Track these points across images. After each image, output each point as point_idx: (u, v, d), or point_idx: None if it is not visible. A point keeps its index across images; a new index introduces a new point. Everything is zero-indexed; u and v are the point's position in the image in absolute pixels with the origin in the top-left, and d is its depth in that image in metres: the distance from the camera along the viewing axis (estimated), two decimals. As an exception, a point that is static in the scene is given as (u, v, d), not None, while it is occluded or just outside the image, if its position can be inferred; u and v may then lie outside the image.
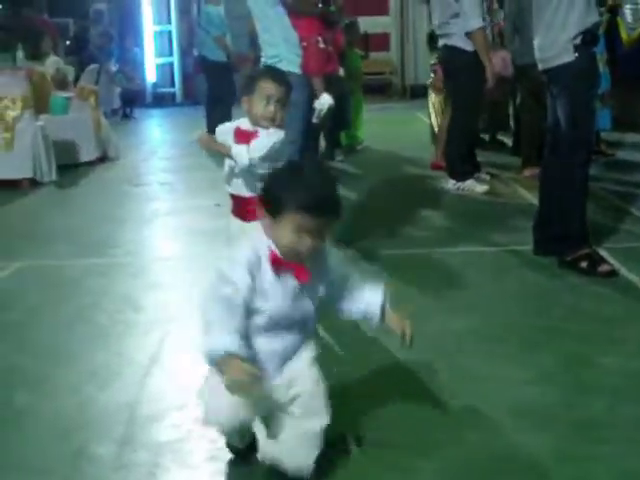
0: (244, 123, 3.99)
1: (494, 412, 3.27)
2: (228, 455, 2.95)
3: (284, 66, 4.68)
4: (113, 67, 16.80)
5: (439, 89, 9.16)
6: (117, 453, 3.05)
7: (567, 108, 5.11)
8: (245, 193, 4.01)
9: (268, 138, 3.88)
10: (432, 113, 9.70)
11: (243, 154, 3.82)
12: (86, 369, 3.89)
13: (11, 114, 8.91)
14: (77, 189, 9.08)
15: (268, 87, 3.88)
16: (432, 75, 9.75)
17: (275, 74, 3.98)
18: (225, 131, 4.02)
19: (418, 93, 15.48)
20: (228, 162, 3.98)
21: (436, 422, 3.23)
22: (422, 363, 3.78)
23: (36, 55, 10.54)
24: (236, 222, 4.13)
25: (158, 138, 14.64)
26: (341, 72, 9.30)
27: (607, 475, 2.82)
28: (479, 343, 4.03)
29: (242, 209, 4.08)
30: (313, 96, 4.72)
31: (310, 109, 4.70)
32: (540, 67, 5.30)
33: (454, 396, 3.43)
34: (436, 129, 9.48)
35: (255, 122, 3.92)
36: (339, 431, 3.03)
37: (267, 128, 3.90)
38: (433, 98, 9.62)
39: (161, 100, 19.86)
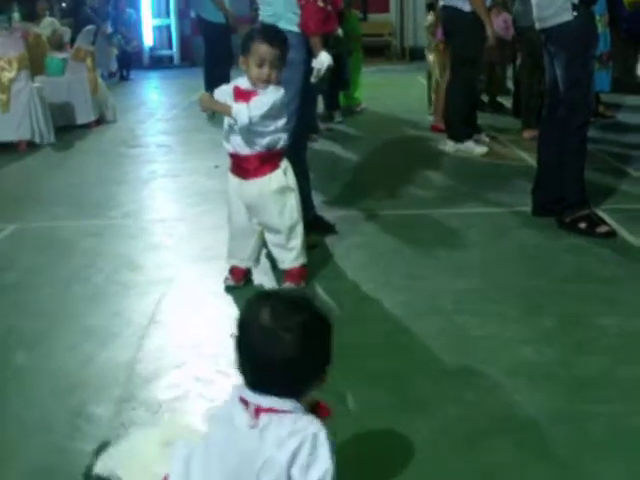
0: (243, 82, 3.97)
1: (492, 371, 3.27)
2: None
3: (282, 25, 4.61)
4: (109, 29, 16.68)
5: (441, 50, 9.10)
6: (115, 412, 3.05)
7: (565, 68, 5.06)
8: (244, 151, 4.00)
9: (268, 96, 3.86)
10: (431, 75, 9.67)
11: (243, 112, 3.80)
12: (84, 329, 3.89)
13: (7, 75, 8.84)
14: (74, 151, 9.04)
15: (262, 49, 3.86)
16: (430, 37, 9.71)
17: (270, 35, 3.94)
18: (224, 91, 4.00)
19: (417, 55, 15.45)
20: (227, 120, 3.96)
21: (434, 381, 3.23)
22: (420, 322, 3.79)
23: (32, 16, 10.46)
24: (235, 181, 4.12)
25: (156, 100, 14.56)
26: (340, 33, 9.23)
27: (604, 434, 2.82)
28: (478, 303, 4.02)
29: (241, 167, 4.06)
30: (311, 55, 4.67)
31: (308, 68, 4.65)
32: (538, 26, 5.25)
33: (452, 355, 3.43)
34: (433, 91, 9.45)
35: (252, 82, 3.90)
36: (338, 390, 3.04)
37: (264, 88, 3.88)
38: (432, 60, 9.58)
39: (159, 62, 19.78)
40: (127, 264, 4.82)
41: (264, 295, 2.06)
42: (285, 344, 1.91)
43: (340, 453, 2.67)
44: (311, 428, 1.95)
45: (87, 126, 10.28)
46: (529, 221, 5.36)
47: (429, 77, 10.14)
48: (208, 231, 5.28)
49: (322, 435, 1.95)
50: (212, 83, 11.91)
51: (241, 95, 3.92)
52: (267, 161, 4.03)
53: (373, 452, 2.70)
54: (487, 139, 8.18)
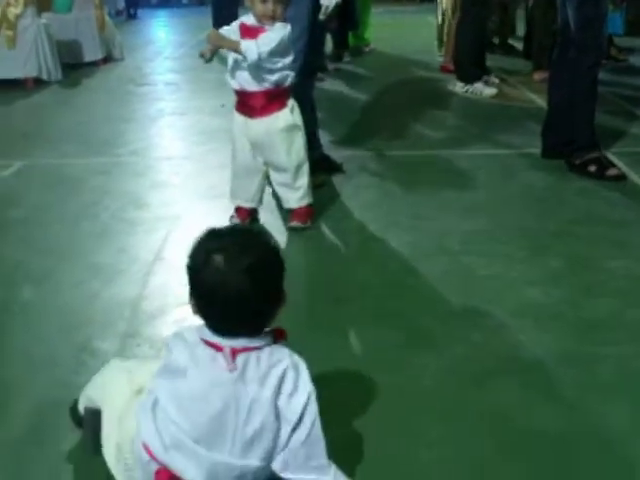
0: (249, 19, 3.92)
1: (498, 312, 3.26)
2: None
3: (289, -40, 4.57)
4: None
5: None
6: (120, 347, 3.06)
7: (577, 9, 4.96)
8: (251, 88, 3.95)
9: (275, 32, 3.82)
10: (439, 16, 9.56)
11: (252, 48, 3.76)
12: (90, 265, 3.88)
13: (13, 11, 8.75)
14: (81, 89, 8.99)
15: None
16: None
17: None
18: (230, 30, 3.95)
19: (427, -4, 15.22)
20: (233, 57, 3.91)
21: (440, 321, 3.22)
22: (427, 262, 3.78)
23: (39, -49, 10.33)
24: (240, 119, 4.08)
25: (163, 39, 14.43)
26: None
27: (612, 376, 2.80)
28: (485, 244, 4.00)
29: (247, 105, 4.02)
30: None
31: (316, 6, 4.58)
32: (552, -35, 5.16)
33: (458, 295, 3.42)
34: (445, 32, 9.35)
35: (258, 19, 3.86)
36: (344, 329, 3.04)
37: (271, 25, 3.84)
38: (444, 1, 9.47)
39: (166, 1, 19.59)
40: (134, 201, 4.81)
41: (213, 234, 2.05)
42: (243, 285, 1.91)
43: (347, 392, 2.69)
44: (287, 357, 1.98)
45: (94, 64, 10.20)
46: (538, 163, 5.31)
47: (438, 17, 10.02)
48: (214, 169, 5.25)
49: (299, 361, 2.00)
50: (220, 22, 11.86)
51: (248, 32, 3.87)
52: (274, 99, 3.99)
53: (379, 391, 2.70)
54: (497, 80, 8.08)
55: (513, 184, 4.97)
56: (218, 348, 1.98)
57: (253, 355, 1.97)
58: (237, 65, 3.93)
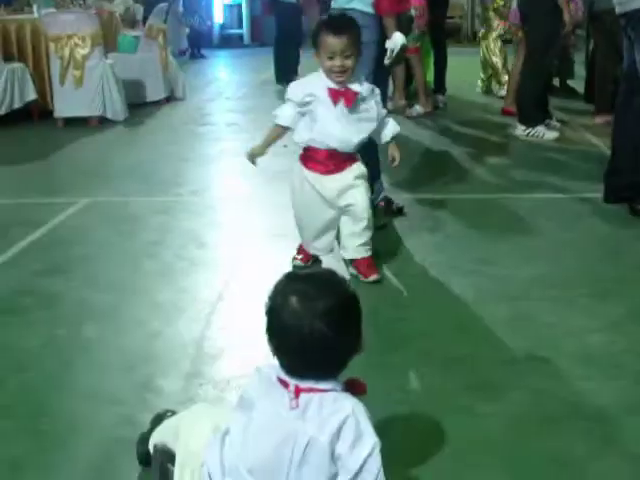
0: (322, 79, 3.91)
1: (560, 359, 3.23)
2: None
3: (355, 4, 4.60)
4: (180, 7, 16.75)
5: (514, 33, 9.08)
6: (183, 387, 3.09)
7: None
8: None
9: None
10: (493, 57, 9.72)
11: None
12: (152, 304, 3.93)
13: (81, 52, 8.93)
14: (144, 128, 9.13)
15: (330, 42, 3.81)
16: (495, 19, 9.77)
17: (336, 26, 3.86)
18: (306, 88, 3.97)
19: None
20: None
21: (501, 367, 3.20)
22: (487, 308, 3.76)
23: (105, -6, 10.57)
24: (312, 176, 4.06)
25: (225, 79, 14.61)
26: (413, 13, 9.14)
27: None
28: (546, 290, 3.97)
29: (322, 163, 4.03)
30: (384, 36, 4.62)
31: (382, 49, 4.60)
32: (618, 10, 5.14)
33: (519, 342, 3.40)
34: (504, 75, 9.40)
35: (327, 75, 3.87)
36: (406, 375, 3.04)
37: (341, 82, 3.84)
38: (492, 44, 9.59)
39: (228, 42, 19.82)
40: (194, 240, 4.85)
41: (292, 278, 2.07)
42: (316, 329, 1.92)
43: (407, 438, 2.68)
44: (350, 406, 1.97)
45: (157, 103, 10.36)
46: (600, 208, 5.27)
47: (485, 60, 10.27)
48: (275, 209, 5.29)
49: (362, 411, 1.98)
50: (282, 62, 12.01)
51: (336, 95, 3.88)
52: (350, 153, 4.04)
53: (440, 438, 2.68)
54: (558, 124, 8.06)
55: (575, 229, 4.93)
56: (286, 385, 2.00)
57: (316, 397, 1.98)
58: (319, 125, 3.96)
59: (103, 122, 9.02)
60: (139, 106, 10.01)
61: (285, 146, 6.83)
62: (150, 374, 3.19)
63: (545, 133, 7.67)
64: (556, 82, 10.30)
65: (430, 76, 10.76)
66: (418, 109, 9.17)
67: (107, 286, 4.18)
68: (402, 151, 4.22)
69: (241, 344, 3.42)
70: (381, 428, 2.05)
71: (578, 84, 10.12)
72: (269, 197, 5.76)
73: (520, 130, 7.80)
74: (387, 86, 7.21)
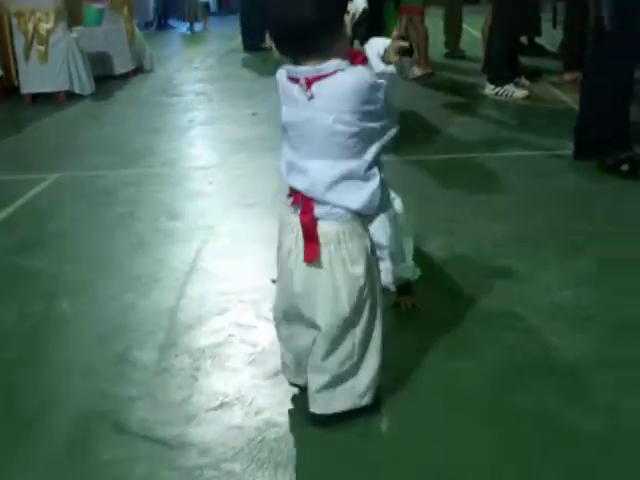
0: None
1: (531, 314, 3.25)
2: (269, 359, 2.97)
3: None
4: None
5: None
6: (158, 358, 3.09)
7: (612, 4, 4.95)
8: None
9: None
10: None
11: None
12: (126, 276, 3.92)
13: (44, 26, 8.85)
14: (112, 101, 9.08)
15: None
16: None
17: None
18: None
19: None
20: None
21: (473, 323, 3.22)
22: (460, 265, 3.78)
23: (68, -34, 10.44)
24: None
25: (193, 49, 14.51)
26: (375, -24, 9.08)
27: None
28: (517, 246, 4.00)
29: None
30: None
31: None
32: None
33: (491, 298, 3.42)
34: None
35: None
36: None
37: None
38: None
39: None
40: (167, 212, 4.85)
41: None
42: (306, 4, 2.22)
43: (387, 393, 2.69)
44: (362, 72, 2.32)
45: (125, 76, 10.30)
46: (570, 164, 5.30)
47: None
48: (247, 178, 5.29)
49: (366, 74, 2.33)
50: (249, 30, 11.94)
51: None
52: None
53: (418, 393, 2.71)
54: (527, 82, 8.06)
55: (546, 185, 4.96)
56: (296, 80, 2.30)
57: (325, 81, 2.27)
58: None
59: (71, 97, 8.96)
60: (107, 79, 9.95)
61: (254, 114, 6.87)
62: (125, 346, 3.19)
63: (514, 91, 7.68)
64: (524, 40, 10.29)
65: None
66: (416, 71, 9.12)
67: (81, 260, 4.18)
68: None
69: (214, 313, 3.42)
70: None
71: (546, 42, 10.13)
72: (241, 165, 5.75)
73: (489, 89, 7.81)
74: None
